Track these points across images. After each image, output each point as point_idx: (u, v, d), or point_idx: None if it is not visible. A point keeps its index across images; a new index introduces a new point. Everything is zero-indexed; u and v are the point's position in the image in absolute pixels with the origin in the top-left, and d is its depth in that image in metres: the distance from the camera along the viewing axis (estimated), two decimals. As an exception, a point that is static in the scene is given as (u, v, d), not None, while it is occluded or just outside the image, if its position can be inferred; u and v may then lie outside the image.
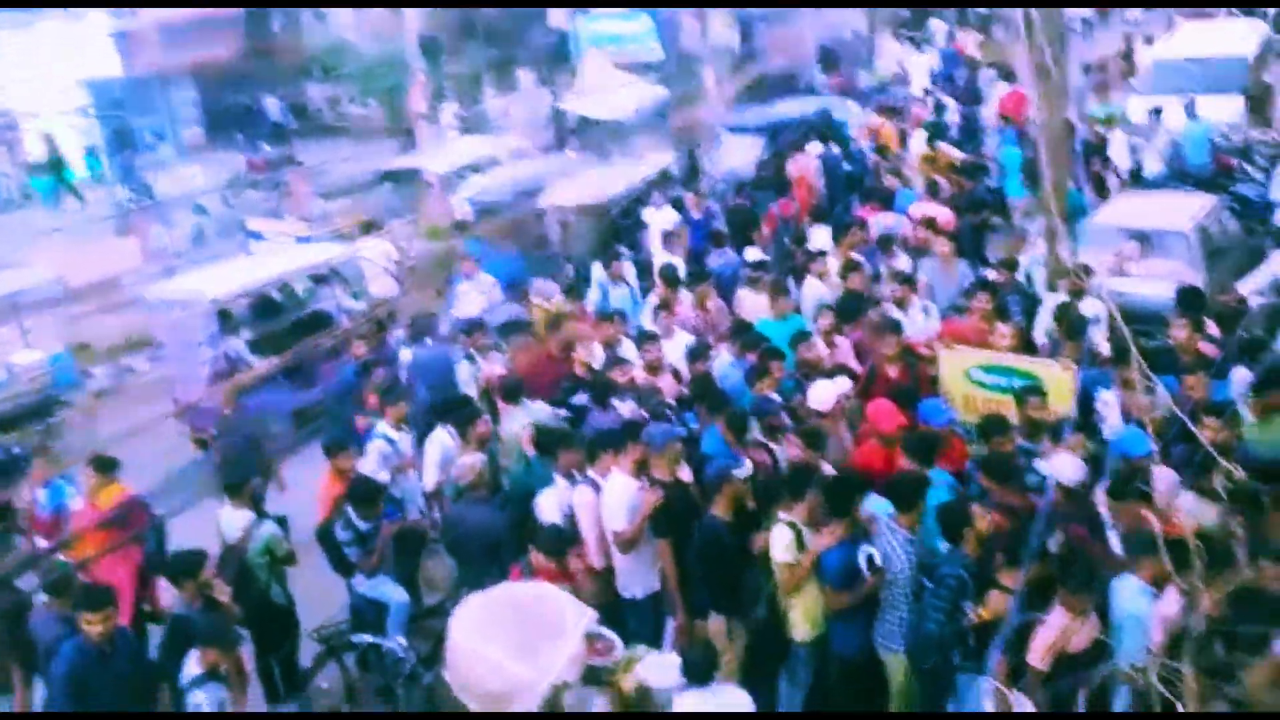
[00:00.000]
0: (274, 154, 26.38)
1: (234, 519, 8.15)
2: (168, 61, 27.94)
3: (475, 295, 13.11)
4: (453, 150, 21.77)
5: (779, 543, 7.03)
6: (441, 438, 9.06)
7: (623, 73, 24.31)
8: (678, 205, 15.51)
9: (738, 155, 16.99)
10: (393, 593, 8.25)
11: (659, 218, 14.87)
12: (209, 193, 22.27)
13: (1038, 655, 5.96)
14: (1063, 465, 7.25)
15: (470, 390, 10.36)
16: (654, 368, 9.71)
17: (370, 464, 8.98)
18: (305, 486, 9.60)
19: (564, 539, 7.35)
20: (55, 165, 27.03)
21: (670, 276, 11.75)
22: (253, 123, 29.21)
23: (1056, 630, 5.97)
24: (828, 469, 7.69)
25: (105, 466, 8.68)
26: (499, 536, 7.89)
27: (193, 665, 6.63)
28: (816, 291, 11.40)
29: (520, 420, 9.14)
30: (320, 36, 30.84)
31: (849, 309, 10.21)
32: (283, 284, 14.09)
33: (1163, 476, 7.15)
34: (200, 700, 6.48)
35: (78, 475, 8.82)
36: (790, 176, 16.91)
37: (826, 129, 18.79)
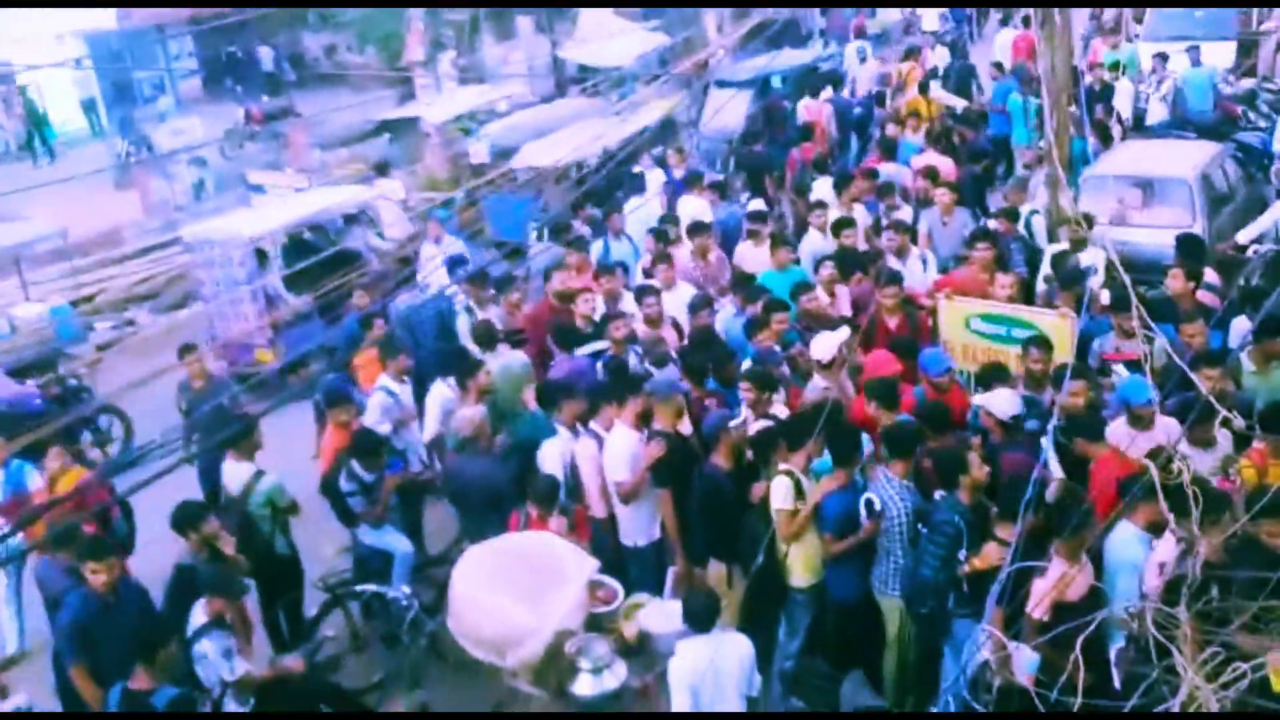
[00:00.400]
0: (272, 105, 26.19)
1: (236, 471, 8.21)
2: (164, 13, 27.65)
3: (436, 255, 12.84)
4: (451, 99, 21.62)
5: (778, 491, 7.10)
6: (441, 390, 9.10)
7: (622, 20, 24.07)
8: (661, 163, 15.42)
9: (725, 110, 16.57)
10: (397, 542, 8.34)
11: (653, 178, 14.82)
12: (208, 145, 22.14)
13: (1036, 605, 6.02)
14: (997, 399, 7.49)
15: (469, 342, 10.37)
16: (654, 321, 9.71)
17: (372, 416, 9.04)
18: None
19: (554, 489, 7.44)
20: (37, 121, 26.85)
21: (662, 231, 11.75)
22: (249, 74, 29.00)
23: (1054, 580, 6.03)
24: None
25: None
26: (501, 488, 7.95)
27: (199, 614, 6.72)
28: (817, 243, 11.39)
29: (493, 365, 9.24)
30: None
31: (844, 266, 10.20)
32: (314, 224, 14.44)
33: (1163, 424, 7.20)
34: (206, 649, 6.56)
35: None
36: (802, 121, 16.94)
37: (831, 77, 18.68)
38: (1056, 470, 7.12)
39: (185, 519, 7.37)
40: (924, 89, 17.09)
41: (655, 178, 14.82)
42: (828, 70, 19.93)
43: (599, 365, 9.25)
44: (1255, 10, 19.68)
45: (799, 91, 18.09)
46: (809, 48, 21.88)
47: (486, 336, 9.69)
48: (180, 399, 10.16)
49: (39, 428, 9.35)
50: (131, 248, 18.76)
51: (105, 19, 26.83)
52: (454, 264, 11.98)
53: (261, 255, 13.30)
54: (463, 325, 10.65)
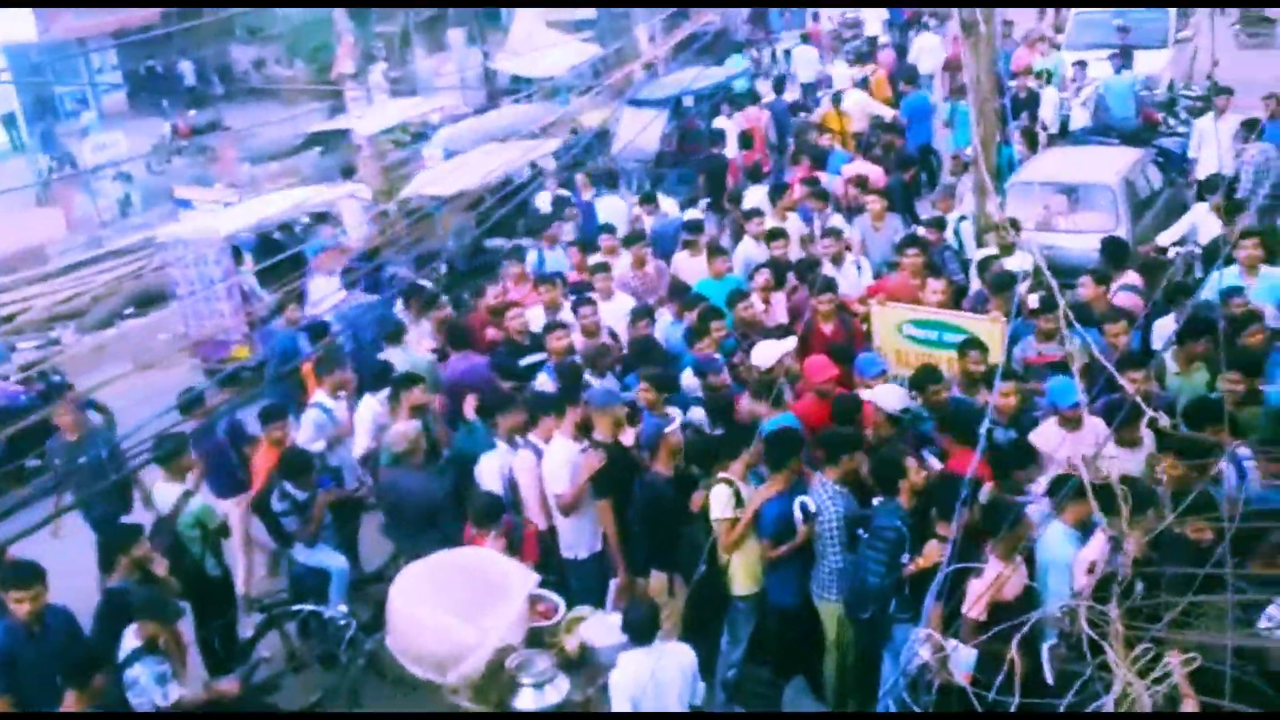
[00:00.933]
0: (199, 119, 25.79)
1: (166, 491, 8.07)
2: (86, 25, 27.09)
3: (328, 290, 12.65)
4: (382, 111, 21.45)
5: (718, 500, 7.12)
6: (370, 405, 9.03)
7: (554, 31, 24.04)
8: (568, 185, 15.23)
9: (639, 131, 16.00)
10: (333, 560, 8.24)
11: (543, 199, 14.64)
12: (133, 160, 21.73)
13: (973, 605, 6.10)
14: (884, 394, 7.80)
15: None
16: (591, 331, 9.70)
17: (306, 433, 8.94)
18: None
19: (494, 508, 7.39)
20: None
21: (584, 242, 11.86)
22: (170, 88, 28.52)
23: (990, 580, 6.11)
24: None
25: None
26: (437, 503, 7.89)
27: (130, 639, 6.57)
28: (752, 251, 11.46)
29: (399, 360, 9.36)
30: (244, -3, 30.08)
31: (779, 274, 10.28)
32: (284, 223, 14.82)
33: (1091, 425, 7.35)
34: (138, 674, 6.42)
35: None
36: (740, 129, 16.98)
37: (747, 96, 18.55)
38: (936, 465, 7.28)
39: (116, 541, 7.21)
40: (836, 101, 17.27)
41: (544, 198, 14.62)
42: (744, 89, 19.71)
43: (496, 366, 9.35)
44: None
45: (715, 110, 17.94)
46: (726, 64, 21.70)
47: (394, 333, 9.81)
48: (53, 454, 9.41)
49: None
50: (55, 265, 18.36)
51: (25, 31, 26.22)
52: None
53: (237, 253, 13.69)
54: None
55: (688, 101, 18.26)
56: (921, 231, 11.21)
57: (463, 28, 28.03)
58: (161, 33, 22.98)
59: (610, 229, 12.47)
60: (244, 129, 22.63)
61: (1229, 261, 9.21)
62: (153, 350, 14.51)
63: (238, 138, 22.86)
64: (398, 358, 9.42)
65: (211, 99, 28.64)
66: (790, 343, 8.60)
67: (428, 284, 11.99)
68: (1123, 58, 16.96)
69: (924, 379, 8.08)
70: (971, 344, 8.33)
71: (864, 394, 7.97)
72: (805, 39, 24.28)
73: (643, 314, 9.85)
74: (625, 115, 17.95)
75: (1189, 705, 5.17)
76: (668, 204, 13.98)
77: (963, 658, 5.95)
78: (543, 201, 14.63)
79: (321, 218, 15.06)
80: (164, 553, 7.53)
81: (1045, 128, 16.10)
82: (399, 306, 11.19)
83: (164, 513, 8.03)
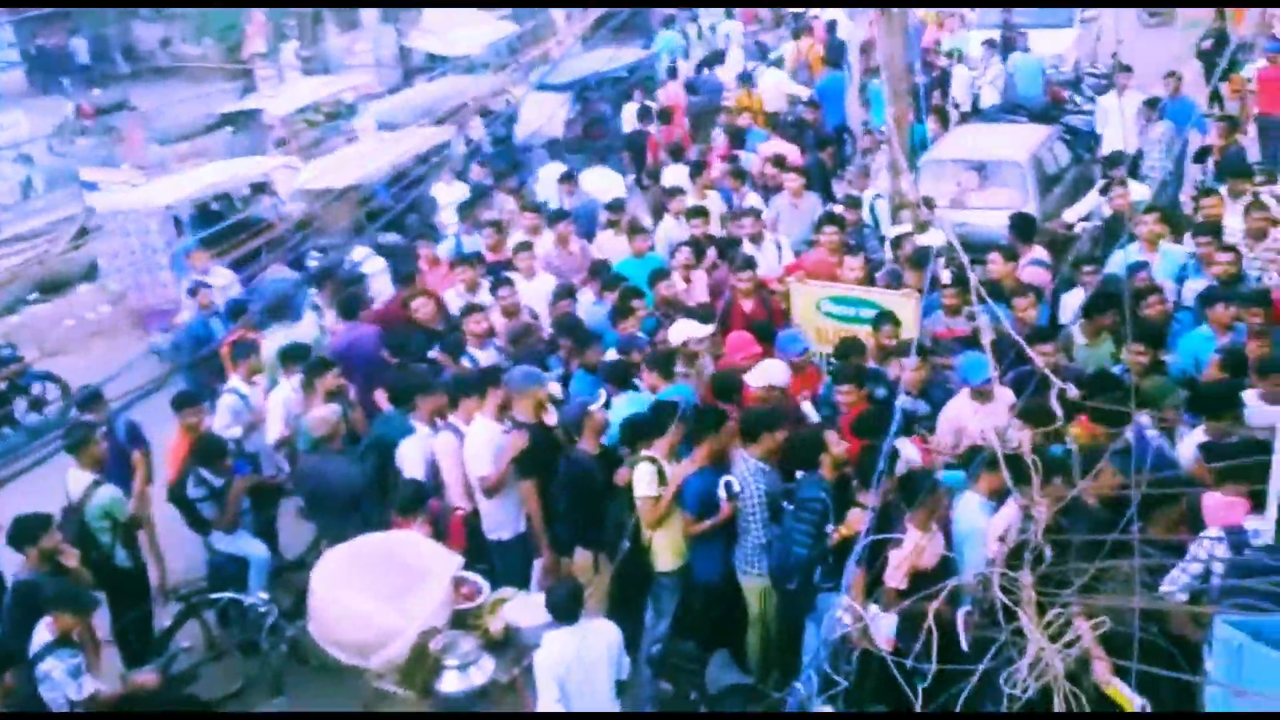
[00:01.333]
0: (104, 99, 25.02)
1: (77, 480, 7.89)
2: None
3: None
4: (295, 91, 21.04)
5: (641, 478, 7.16)
6: (283, 390, 8.92)
7: (469, 8, 23.77)
8: (461, 176, 14.81)
9: (543, 116, 15.82)
10: (252, 547, 8.15)
11: (450, 193, 13.96)
12: (34, 141, 21.05)
13: (894, 574, 6.22)
14: (762, 370, 7.99)
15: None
16: (511, 312, 9.66)
17: (221, 420, 8.79)
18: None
19: (418, 495, 7.34)
20: None
21: (497, 222, 11.76)
22: (66, 67, 27.60)
23: (909, 549, 6.24)
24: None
25: None
26: (358, 488, 7.82)
27: (43, 632, 6.42)
28: (672, 230, 11.50)
29: (279, 339, 9.36)
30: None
31: (699, 252, 10.34)
32: (221, 193, 14.82)
33: (1002, 396, 7.53)
34: (51, 669, 6.28)
35: None
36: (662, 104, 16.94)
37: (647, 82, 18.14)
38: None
39: (23, 533, 7.03)
40: (746, 79, 17.32)
41: (450, 194, 13.95)
42: (649, 74, 19.01)
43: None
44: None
45: (626, 95, 17.47)
46: (658, 41, 21.48)
47: (278, 308, 9.84)
48: None
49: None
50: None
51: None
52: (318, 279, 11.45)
53: (178, 223, 13.68)
54: (308, 323, 10.44)
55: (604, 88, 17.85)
56: (839, 210, 11.35)
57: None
58: (59, 9, 22.21)
59: (536, 207, 12.41)
60: (152, 109, 22.06)
61: (1132, 238, 9.48)
62: (59, 337, 14.17)
63: (145, 118, 22.26)
64: (277, 337, 9.40)
65: (116, 78, 27.80)
66: (709, 328, 8.63)
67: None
68: (1003, 45, 17.33)
69: (847, 350, 8.22)
70: (884, 318, 8.49)
71: (748, 376, 8.07)
72: (730, 14, 24.11)
73: (564, 293, 9.84)
74: (529, 100, 17.25)
75: (1099, 667, 5.35)
76: (610, 178, 13.88)
77: (884, 625, 6.09)
78: (440, 193, 14.03)
79: (260, 188, 15.10)
80: (73, 543, 7.38)
81: (957, 105, 16.37)
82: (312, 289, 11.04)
83: (73, 502, 7.85)
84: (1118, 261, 8.95)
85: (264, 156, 16.81)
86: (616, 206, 11.96)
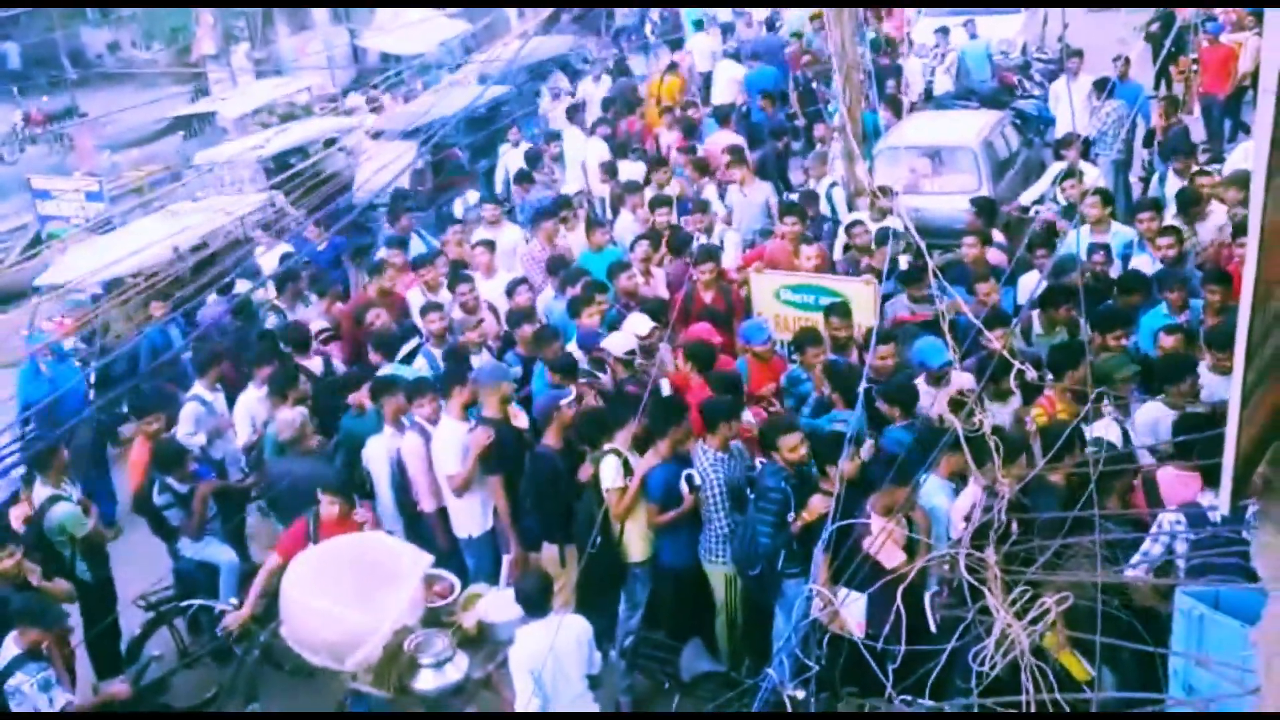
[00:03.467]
0: (53, 106, 24.70)
1: (38, 494, 7.84)
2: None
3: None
4: (248, 93, 20.89)
5: (608, 471, 7.21)
6: (250, 395, 8.90)
7: (421, 8, 23.66)
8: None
9: (384, 169, 13.50)
10: (220, 553, 8.12)
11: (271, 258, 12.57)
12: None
13: (889, 555, 6.25)
14: (615, 339, 8.38)
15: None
16: (470, 308, 9.66)
17: (184, 427, 8.75)
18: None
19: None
20: None
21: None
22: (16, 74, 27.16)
23: (880, 536, 6.29)
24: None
25: None
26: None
27: (10, 646, 6.37)
28: (630, 224, 11.55)
29: None
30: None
31: (656, 244, 10.39)
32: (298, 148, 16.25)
33: (959, 380, 7.63)
34: (20, 683, 6.23)
35: None
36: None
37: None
38: None
39: None
40: (673, 68, 17.36)
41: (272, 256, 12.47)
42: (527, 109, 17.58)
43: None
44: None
45: (489, 140, 15.80)
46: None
47: (299, 339, 9.48)
48: None
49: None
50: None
51: None
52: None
53: (268, 172, 15.32)
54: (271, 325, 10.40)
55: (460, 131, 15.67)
56: (796, 199, 11.43)
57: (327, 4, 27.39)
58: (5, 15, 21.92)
59: (496, 199, 12.39)
60: (102, 115, 21.78)
61: (1083, 220, 9.64)
62: (15, 347, 13.94)
63: (95, 124, 21.99)
64: None
65: (64, 84, 27.41)
66: (653, 324, 8.57)
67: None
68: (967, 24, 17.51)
69: (804, 341, 8.30)
70: (834, 309, 8.58)
71: (603, 343, 8.42)
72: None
73: (518, 285, 9.86)
74: (368, 150, 15.67)
75: (1060, 635, 5.44)
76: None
77: (855, 609, 6.17)
78: (269, 261, 12.48)
79: (331, 143, 16.46)
80: (33, 555, 7.32)
81: (908, 93, 16.48)
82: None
83: (31, 514, 7.81)
84: (1071, 244, 9.10)
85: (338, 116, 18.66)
86: (567, 204, 11.93)
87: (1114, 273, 9.12)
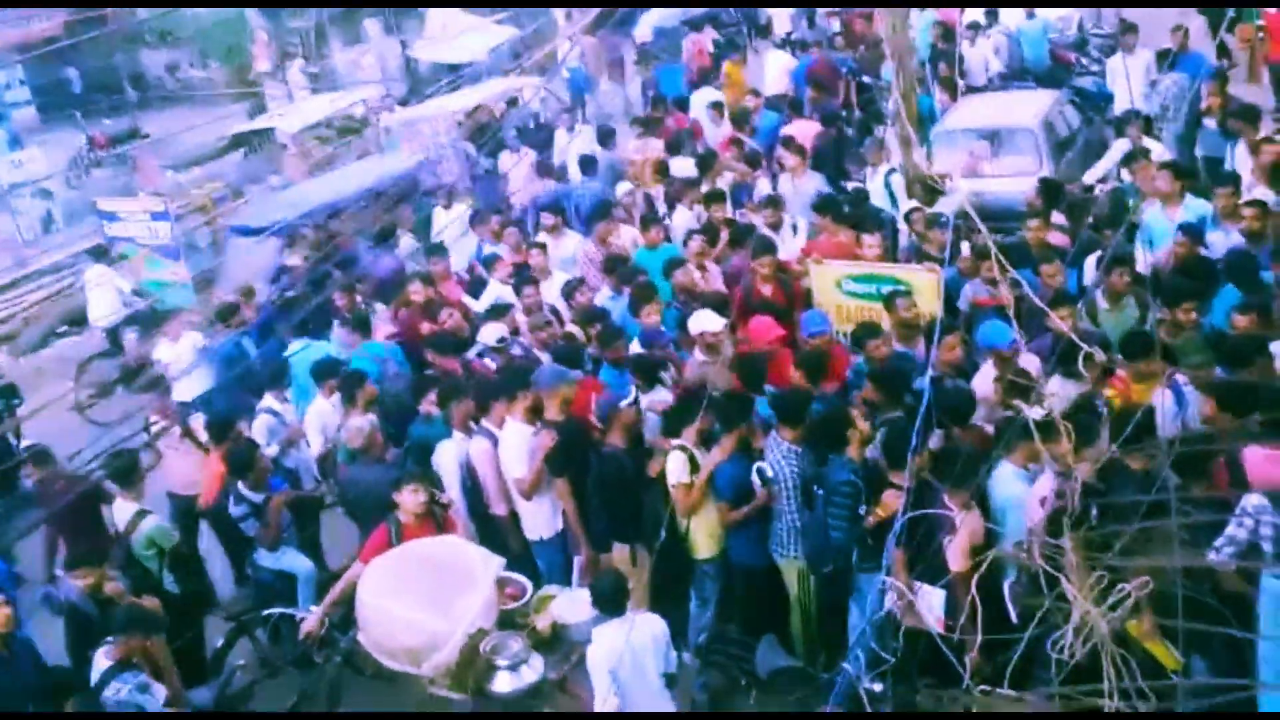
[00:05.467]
0: (116, 129, 25.23)
1: (122, 510, 8.03)
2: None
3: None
4: (305, 108, 21.17)
5: (674, 466, 7.21)
6: (320, 405, 9.02)
7: (470, 16, 23.83)
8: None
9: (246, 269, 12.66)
10: (297, 562, 8.22)
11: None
12: (52, 176, 21.24)
13: (957, 559, 6.20)
14: (701, 318, 8.40)
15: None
16: (533, 310, 9.72)
17: (258, 439, 8.88)
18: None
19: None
20: None
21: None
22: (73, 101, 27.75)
23: (965, 532, 6.23)
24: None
25: None
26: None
27: (101, 660, 6.50)
28: (685, 219, 11.54)
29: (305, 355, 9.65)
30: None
31: (712, 239, 10.37)
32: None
33: (1028, 362, 7.53)
34: (117, 690, 6.32)
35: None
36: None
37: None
38: None
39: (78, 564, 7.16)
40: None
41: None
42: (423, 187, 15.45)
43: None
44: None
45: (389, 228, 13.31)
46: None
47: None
48: None
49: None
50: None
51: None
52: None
53: (460, 125, 16.60)
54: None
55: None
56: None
57: (378, 18, 27.69)
58: (69, 43, 22.41)
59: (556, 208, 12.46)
60: (163, 136, 22.24)
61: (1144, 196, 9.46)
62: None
63: (157, 145, 22.44)
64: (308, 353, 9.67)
65: (125, 107, 28.03)
66: (723, 321, 8.56)
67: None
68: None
69: (862, 335, 8.22)
70: (897, 293, 8.49)
71: (690, 323, 8.51)
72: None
73: (575, 286, 9.91)
74: (229, 246, 14.47)
75: (1148, 623, 5.35)
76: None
77: (934, 603, 6.11)
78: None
79: (513, 102, 18.48)
80: (120, 570, 7.50)
81: (964, 76, 16.20)
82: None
83: (118, 530, 7.99)
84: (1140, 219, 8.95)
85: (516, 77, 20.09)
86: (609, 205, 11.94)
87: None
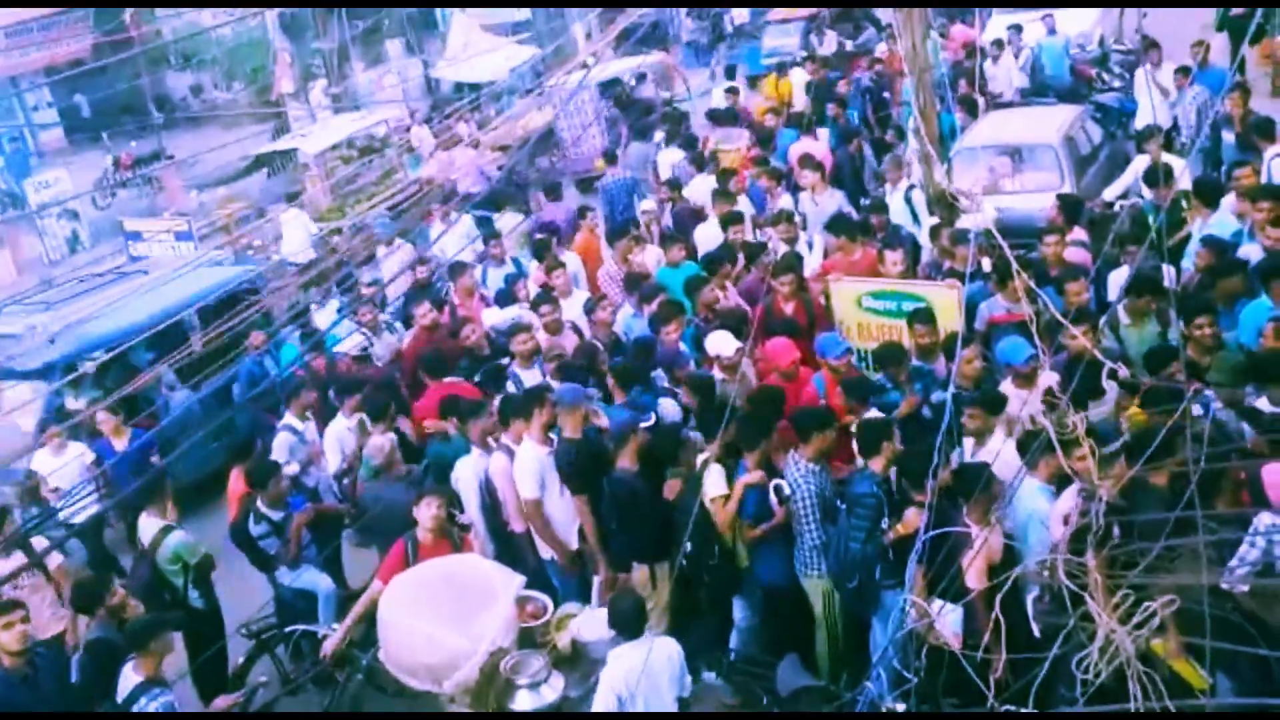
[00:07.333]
0: (141, 150, 25.51)
1: (147, 526, 8.06)
2: (15, 64, 26.71)
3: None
4: (327, 128, 21.34)
5: (712, 480, 7.19)
6: (339, 424, 9.07)
7: (490, 35, 24.02)
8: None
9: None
10: (318, 580, 8.25)
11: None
12: (79, 196, 21.48)
13: (973, 577, 6.15)
14: (716, 339, 8.46)
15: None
16: (553, 329, 9.73)
17: (279, 457, 8.93)
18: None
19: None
20: None
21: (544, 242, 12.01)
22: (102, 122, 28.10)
23: (980, 548, 6.18)
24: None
25: None
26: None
27: (130, 677, 6.50)
28: (710, 237, 11.54)
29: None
30: (175, 24, 29.79)
31: (726, 259, 10.35)
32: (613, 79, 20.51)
33: (1047, 380, 7.47)
34: (144, 707, 6.33)
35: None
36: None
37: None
38: None
39: (88, 598, 7.20)
40: (782, 70, 17.42)
41: None
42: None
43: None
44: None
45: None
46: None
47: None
48: None
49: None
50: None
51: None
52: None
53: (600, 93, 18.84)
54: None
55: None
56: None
57: (399, 38, 27.92)
58: (96, 65, 22.69)
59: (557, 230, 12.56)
60: (187, 156, 22.45)
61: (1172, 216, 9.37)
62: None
63: (182, 166, 22.67)
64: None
65: (151, 128, 28.32)
66: (738, 345, 8.50)
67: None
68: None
69: (886, 359, 8.19)
70: (917, 316, 8.46)
71: (706, 342, 8.58)
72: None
73: (595, 304, 9.92)
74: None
75: (1174, 642, 5.29)
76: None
77: (951, 620, 6.05)
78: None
79: (641, 78, 20.88)
80: (145, 586, 7.54)
81: (984, 92, 16.17)
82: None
83: (144, 546, 8.02)
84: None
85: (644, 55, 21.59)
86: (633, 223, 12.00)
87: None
